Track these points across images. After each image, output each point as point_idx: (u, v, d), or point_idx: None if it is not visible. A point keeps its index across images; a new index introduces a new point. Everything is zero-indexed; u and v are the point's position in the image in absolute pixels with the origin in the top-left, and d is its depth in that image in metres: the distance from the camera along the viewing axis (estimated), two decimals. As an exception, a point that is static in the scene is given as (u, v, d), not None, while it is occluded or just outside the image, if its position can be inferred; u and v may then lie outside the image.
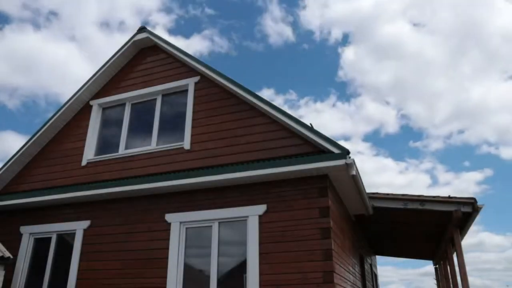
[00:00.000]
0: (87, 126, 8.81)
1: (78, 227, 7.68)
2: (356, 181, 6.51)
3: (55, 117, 8.91)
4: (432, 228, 10.43)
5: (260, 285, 5.90)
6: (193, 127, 7.64)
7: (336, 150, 6.07)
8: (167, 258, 6.67)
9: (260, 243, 6.13)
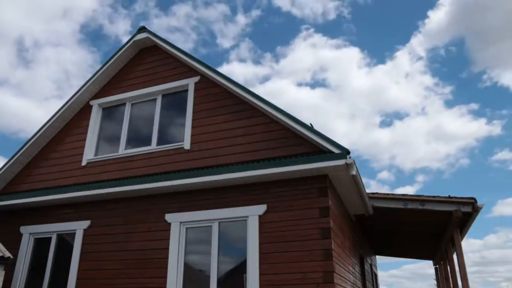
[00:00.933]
0: (87, 126, 8.81)
1: (78, 227, 7.68)
2: (356, 181, 6.51)
3: (55, 117, 8.91)
4: (432, 228, 10.42)
5: (260, 285, 5.90)
6: (193, 127, 7.64)
7: (336, 150, 6.07)
8: (167, 258, 6.66)
9: (260, 243, 6.13)
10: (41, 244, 8.06)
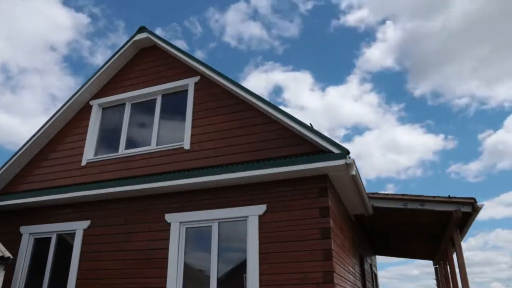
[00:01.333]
0: (87, 126, 8.81)
1: (78, 227, 7.68)
2: (356, 181, 6.51)
3: (55, 117, 8.90)
4: (432, 228, 10.42)
5: (260, 285, 5.90)
6: (193, 127, 7.64)
7: (336, 150, 6.07)
8: (167, 258, 6.67)
9: (260, 243, 6.13)
10: (41, 244, 8.06)
